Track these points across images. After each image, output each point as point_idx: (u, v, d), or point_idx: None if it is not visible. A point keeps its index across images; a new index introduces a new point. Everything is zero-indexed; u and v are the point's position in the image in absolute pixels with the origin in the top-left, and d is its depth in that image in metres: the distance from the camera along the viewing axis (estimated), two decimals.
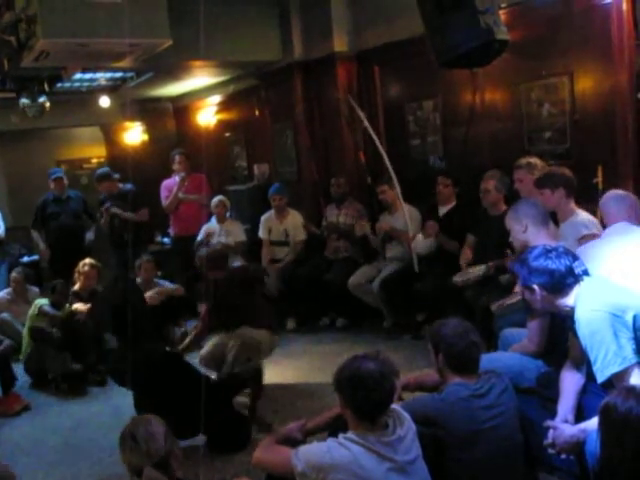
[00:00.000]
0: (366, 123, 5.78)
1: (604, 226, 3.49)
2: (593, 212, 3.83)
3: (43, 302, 5.49)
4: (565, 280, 2.57)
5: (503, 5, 4.71)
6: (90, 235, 7.32)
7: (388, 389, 2.32)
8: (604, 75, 4.63)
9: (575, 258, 2.63)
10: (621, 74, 4.50)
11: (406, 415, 2.44)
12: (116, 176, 7.11)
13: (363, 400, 2.29)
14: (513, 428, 2.70)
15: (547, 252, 2.62)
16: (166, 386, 3.69)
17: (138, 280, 6.17)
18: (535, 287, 2.61)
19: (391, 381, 2.34)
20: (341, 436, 2.32)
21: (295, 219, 6.61)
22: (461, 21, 3.58)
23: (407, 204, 5.65)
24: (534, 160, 4.45)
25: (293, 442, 2.59)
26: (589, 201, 3.97)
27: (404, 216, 5.54)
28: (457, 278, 4.62)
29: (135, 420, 2.44)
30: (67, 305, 5.55)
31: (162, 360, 3.99)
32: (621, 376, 2.40)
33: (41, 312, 5.38)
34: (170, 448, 2.29)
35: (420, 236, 5.41)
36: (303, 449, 2.38)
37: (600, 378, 2.45)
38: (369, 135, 5.91)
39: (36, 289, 6.39)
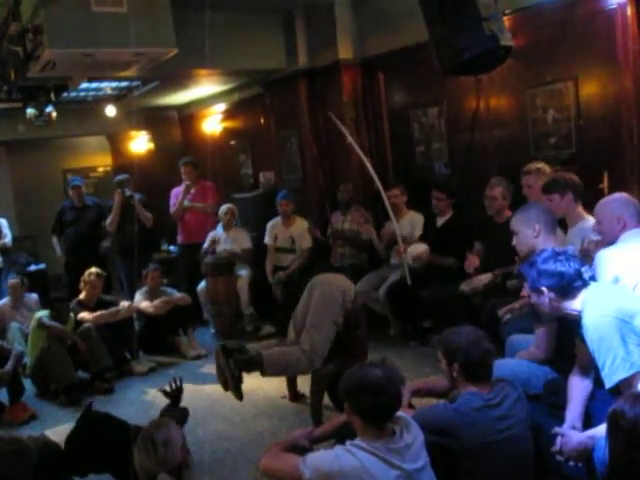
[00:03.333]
0: (350, 139, 5.68)
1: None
2: None
3: (42, 314, 5.44)
4: (574, 283, 2.56)
5: (507, 11, 4.72)
6: (106, 243, 7.35)
7: (394, 394, 2.32)
8: (609, 80, 4.62)
9: (583, 263, 2.63)
10: (626, 79, 4.49)
11: (413, 423, 2.43)
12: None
13: (370, 405, 2.29)
14: (526, 438, 2.68)
15: (556, 255, 2.62)
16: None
17: (144, 288, 6.21)
18: (544, 289, 2.61)
19: (397, 387, 2.34)
20: (349, 443, 2.32)
21: (301, 226, 6.62)
22: (465, 28, 3.57)
23: (411, 210, 5.68)
24: (542, 166, 4.44)
25: (300, 450, 2.59)
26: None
27: (413, 221, 5.58)
28: (464, 287, 4.64)
29: (156, 423, 2.40)
30: (72, 315, 5.55)
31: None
32: (629, 382, 2.38)
33: (41, 324, 5.34)
34: (185, 456, 2.27)
35: (412, 247, 5.36)
36: (311, 456, 2.37)
37: (608, 384, 2.43)
38: (380, 141, 5.87)
39: (35, 296, 6.39)
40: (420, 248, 5.32)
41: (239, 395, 3.85)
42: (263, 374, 3.96)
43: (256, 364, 3.87)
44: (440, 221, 5.54)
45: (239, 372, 3.81)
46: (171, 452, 2.24)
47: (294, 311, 4.23)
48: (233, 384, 3.81)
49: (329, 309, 3.94)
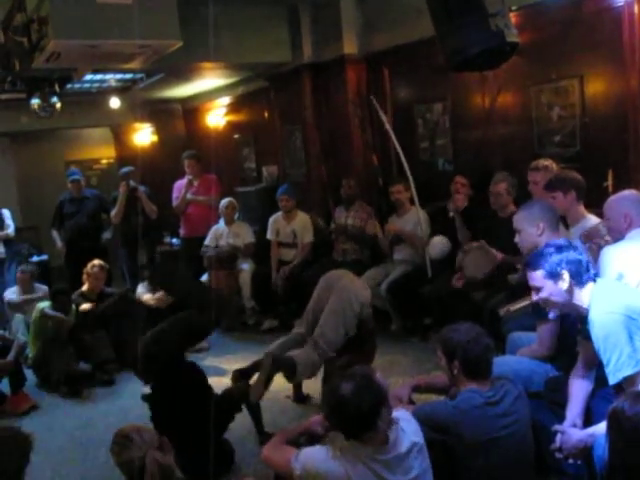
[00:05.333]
0: (387, 126, 5.71)
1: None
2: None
3: (45, 305, 5.48)
4: (588, 273, 2.57)
5: (513, 8, 4.70)
6: (107, 234, 7.36)
7: (366, 409, 2.25)
8: (615, 78, 4.61)
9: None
10: (632, 77, 4.47)
11: (412, 425, 2.41)
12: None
13: (341, 424, 2.33)
14: (526, 436, 2.69)
15: (570, 244, 2.64)
16: (181, 395, 3.57)
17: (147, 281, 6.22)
18: (564, 273, 2.56)
19: (369, 401, 2.26)
20: (339, 446, 2.33)
21: (303, 221, 6.61)
22: (471, 24, 3.56)
23: (414, 207, 5.65)
24: (550, 163, 4.43)
25: (314, 436, 2.64)
26: (599, 205, 3.93)
27: (416, 218, 5.53)
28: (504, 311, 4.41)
29: (118, 430, 2.47)
30: (73, 307, 5.57)
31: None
32: (633, 379, 2.39)
33: (44, 315, 5.37)
34: (160, 436, 2.36)
35: (434, 240, 5.37)
36: (304, 453, 2.40)
37: (612, 380, 2.43)
38: (384, 136, 5.85)
39: (44, 287, 6.41)
40: (440, 239, 5.33)
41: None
42: (291, 380, 4.07)
43: (290, 370, 3.87)
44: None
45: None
46: (147, 434, 2.35)
47: (306, 307, 4.21)
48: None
49: (345, 319, 3.92)
